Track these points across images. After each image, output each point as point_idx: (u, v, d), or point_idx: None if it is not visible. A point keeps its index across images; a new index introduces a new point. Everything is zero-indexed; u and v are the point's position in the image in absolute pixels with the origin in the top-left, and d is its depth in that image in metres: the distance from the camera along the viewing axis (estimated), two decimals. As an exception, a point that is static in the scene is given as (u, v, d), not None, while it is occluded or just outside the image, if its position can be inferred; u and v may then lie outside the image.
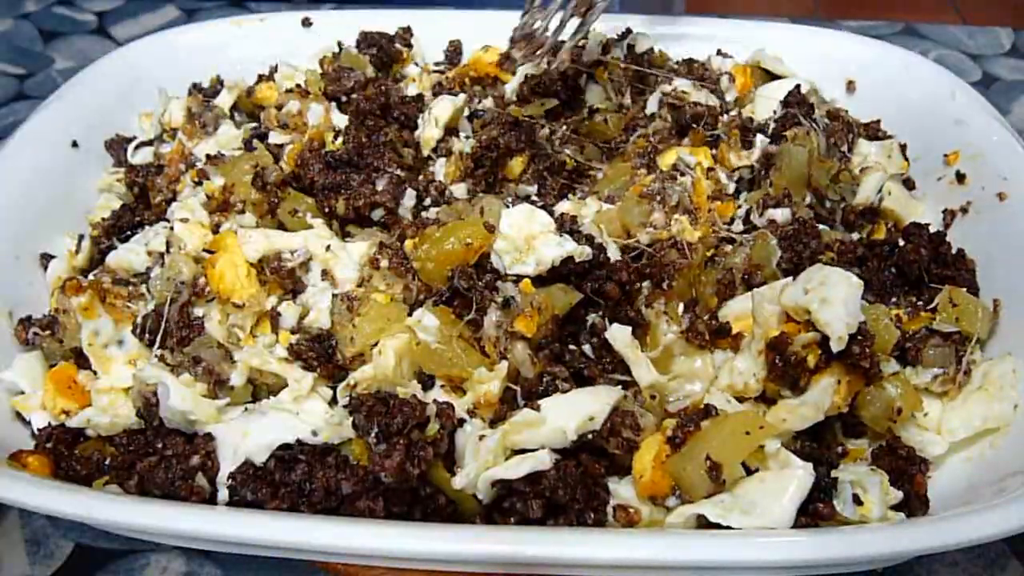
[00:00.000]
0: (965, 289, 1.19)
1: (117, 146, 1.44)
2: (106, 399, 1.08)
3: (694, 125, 1.32)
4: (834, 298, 0.98)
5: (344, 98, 1.40)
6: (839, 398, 1.01)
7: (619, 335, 1.06)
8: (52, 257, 1.28)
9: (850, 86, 1.54)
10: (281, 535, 0.88)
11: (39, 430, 1.09)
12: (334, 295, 1.11)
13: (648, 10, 1.57)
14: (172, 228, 1.16)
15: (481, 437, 0.97)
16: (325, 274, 1.15)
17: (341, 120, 1.37)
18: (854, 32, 1.63)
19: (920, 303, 1.17)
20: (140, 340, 1.10)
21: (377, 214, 1.22)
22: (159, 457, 1.01)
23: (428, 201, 1.25)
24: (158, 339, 1.08)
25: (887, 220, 1.34)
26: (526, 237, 1.10)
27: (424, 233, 1.12)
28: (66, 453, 1.07)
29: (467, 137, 1.34)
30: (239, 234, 1.14)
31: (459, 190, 1.26)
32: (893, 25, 2.10)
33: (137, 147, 1.41)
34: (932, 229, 1.29)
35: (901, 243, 1.27)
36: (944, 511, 1.00)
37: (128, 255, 1.18)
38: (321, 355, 1.08)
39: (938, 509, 1.03)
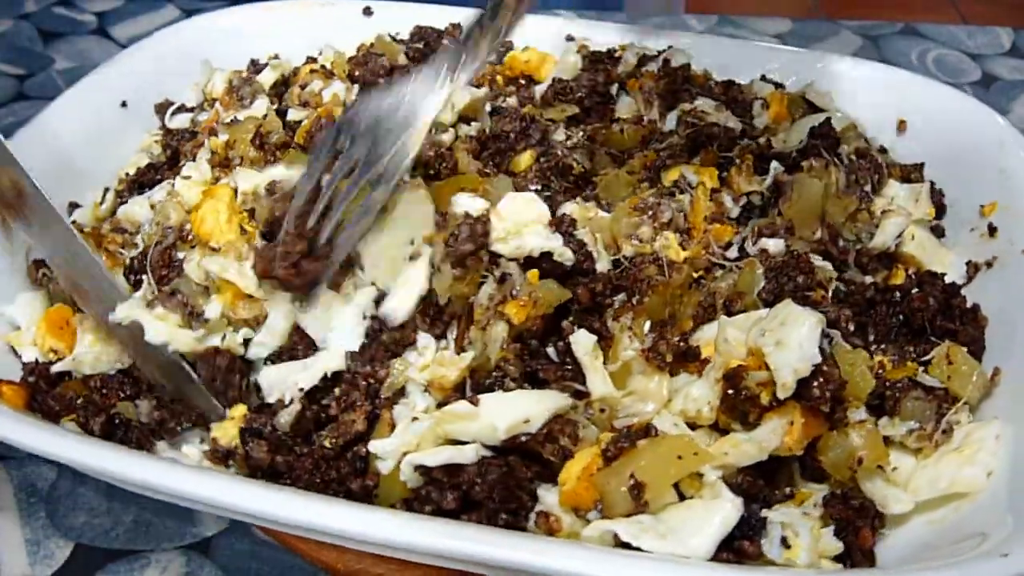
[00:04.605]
0: (969, 346, 1.12)
1: (163, 110, 1.51)
2: (90, 338, 1.13)
3: (708, 145, 1.29)
4: (790, 340, 0.95)
5: (364, 83, 1.43)
6: (791, 439, 0.97)
7: (582, 341, 1.04)
8: (79, 206, 1.35)
9: (901, 126, 1.47)
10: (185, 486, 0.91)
11: (25, 364, 1.15)
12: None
13: (649, 8, 1.55)
14: (173, 184, 1.21)
15: (414, 419, 0.97)
16: None
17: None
18: (854, 32, 1.58)
19: (914, 353, 1.12)
20: (128, 283, 1.15)
21: None
22: None
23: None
24: (145, 280, 1.13)
25: (908, 266, 1.28)
26: (518, 222, 1.11)
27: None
28: (45, 389, 1.12)
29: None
30: (235, 172, 1.19)
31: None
32: (893, 25, 2.07)
33: (175, 112, 1.47)
34: (954, 280, 1.23)
35: (913, 291, 1.21)
36: (892, 571, 0.96)
37: (134, 207, 1.24)
38: None
39: (888, 568, 0.98)
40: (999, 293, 1.20)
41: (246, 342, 1.12)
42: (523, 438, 0.96)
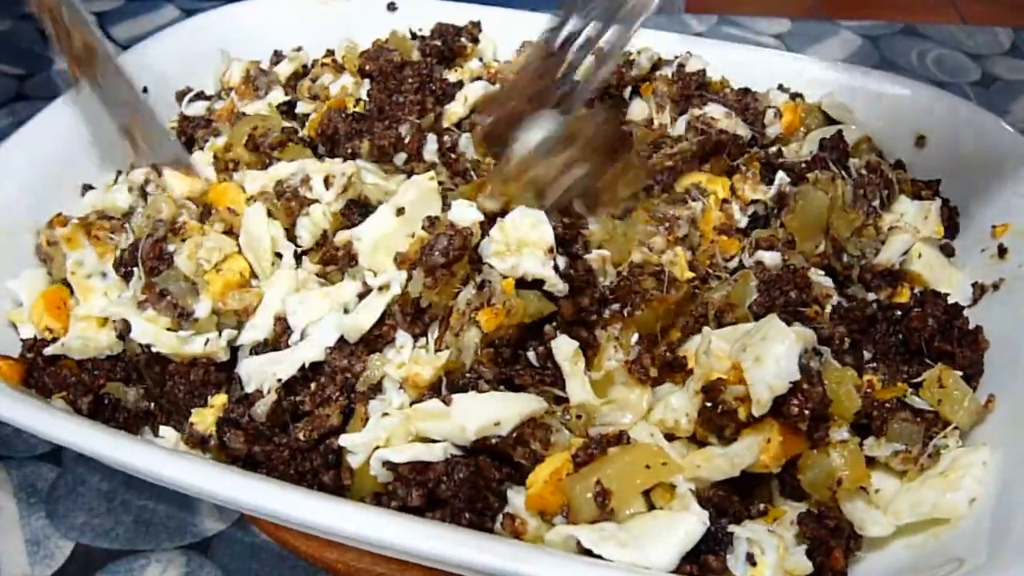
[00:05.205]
0: (966, 370, 1.09)
1: (184, 97, 1.53)
2: (82, 325, 1.15)
3: (718, 152, 1.27)
4: (767, 357, 0.93)
5: (375, 76, 1.44)
6: (768, 457, 0.95)
7: (564, 346, 1.04)
8: (92, 188, 1.37)
9: (920, 141, 1.44)
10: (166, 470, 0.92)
11: (23, 340, 1.17)
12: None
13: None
14: (160, 174, 1.23)
15: (385, 415, 0.98)
16: (327, 183, 1.19)
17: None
18: (854, 32, 1.55)
19: (907, 374, 1.09)
20: (118, 274, 1.17)
21: (400, 159, 1.25)
22: None
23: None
24: (135, 273, 1.15)
25: (914, 284, 1.25)
26: (519, 240, 1.09)
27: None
28: (42, 366, 1.15)
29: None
30: (239, 175, 1.21)
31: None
32: (893, 25, 2.05)
33: (192, 100, 1.50)
34: (957, 301, 1.19)
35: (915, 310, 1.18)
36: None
37: (115, 194, 1.28)
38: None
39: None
40: (1004, 317, 1.17)
41: (232, 348, 1.13)
42: (493, 440, 0.96)
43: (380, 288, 1.06)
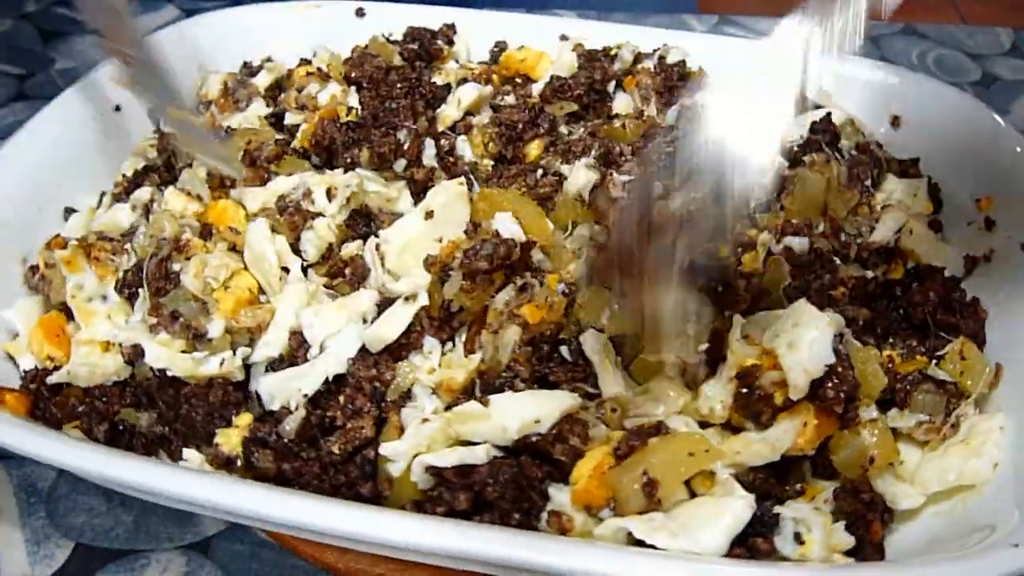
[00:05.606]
0: (970, 340, 1.13)
1: (158, 113, 1.49)
2: (85, 351, 1.12)
3: (712, 140, 1.29)
4: (801, 342, 0.95)
5: (364, 84, 1.42)
6: (804, 440, 0.97)
7: (590, 341, 1.04)
8: (75, 211, 1.33)
9: (895, 121, 1.48)
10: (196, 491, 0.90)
11: (25, 371, 1.13)
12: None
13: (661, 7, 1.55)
14: (162, 191, 1.20)
15: (425, 420, 0.97)
16: (329, 195, 1.17)
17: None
18: None
19: (921, 348, 1.12)
20: (121, 296, 1.14)
21: (400, 165, 1.24)
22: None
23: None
24: (141, 294, 1.12)
25: (907, 260, 1.29)
26: None
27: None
28: (47, 396, 1.11)
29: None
30: (237, 193, 1.18)
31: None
32: (893, 25, 2.06)
33: (171, 115, 1.46)
34: (952, 274, 1.23)
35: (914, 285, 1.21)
36: (902, 564, 0.96)
37: (117, 213, 1.24)
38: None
39: (890, 559, 0.98)
40: (998, 286, 1.21)
41: (246, 365, 1.11)
42: (533, 438, 0.96)
43: (407, 299, 1.05)
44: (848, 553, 0.95)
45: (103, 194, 1.35)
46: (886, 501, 1.00)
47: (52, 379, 1.11)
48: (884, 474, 1.02)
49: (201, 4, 2.16)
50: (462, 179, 1.15)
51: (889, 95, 1.49)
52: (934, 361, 1.08)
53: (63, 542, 1.13)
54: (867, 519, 0.97)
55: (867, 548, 0.96)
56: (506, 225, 1.08)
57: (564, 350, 1.06)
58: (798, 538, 0.92)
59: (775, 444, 0.96)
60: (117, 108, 1.46)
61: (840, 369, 0.95)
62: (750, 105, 0.91)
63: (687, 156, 0.91)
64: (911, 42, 2.04)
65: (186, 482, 0.91)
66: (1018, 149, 1.31)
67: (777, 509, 0.95)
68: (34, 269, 1.23)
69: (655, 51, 1.48)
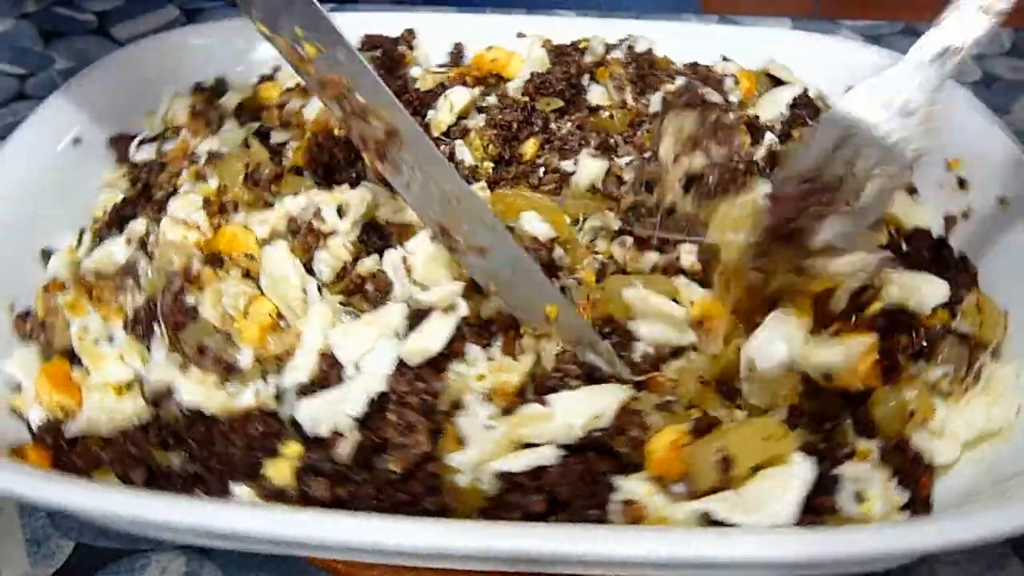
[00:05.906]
0: (968, 294, 1.19)
1: (120, 143, 1.43)
2: (99, 396, 1.08)
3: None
4: None
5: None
6: (864, 366, 1.00)
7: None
8: (52, 252, 1.27)
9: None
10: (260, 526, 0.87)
11: (39, 426, 1.08)
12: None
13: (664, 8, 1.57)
14: (159, 222, 1.16)
15: (490, 427, 0.97)
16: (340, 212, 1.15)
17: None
18: (854, 32, 1.63)
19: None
20: (132, 334, 1.10)
21: None
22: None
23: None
24: (157, 331, 1.08)
25: (890, 225, 1.34)
26: None
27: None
28: (65, 447, 1.06)
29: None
30: (241, 217, 1.16)
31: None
32: (893, 25, 2.08)
33: (140, 144, 1.40)
34: (934, 235, 1.29)
35: (904, 248, 1.27)
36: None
37: (111, 247, 1.19)
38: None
39: (937, 512, 1.02)
40: (979, 242, 1.27)
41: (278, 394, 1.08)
42: (597, 433, 0.97)
43: (445, 310, 1.04)
44: (902, 509, 1.00)
45: (82, 231, 1.29)
46: (922, 457, 1.05)
47: (73, 430, 1.06)
48: (919, 430, 1.06)
49: (202, 4, 2.14)
50: (483, 183, 1.15)
51: (845, 67, 1.53)
52: (953, 316, 1.13)
53: (63, 542, 1.12)
54: (916, 475, 1.01)
55: (916, 503, 1.01)
56: (535, 224, 1.08)
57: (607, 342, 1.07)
58: (859, 497, 0.96)
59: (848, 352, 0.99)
60: (76, 141, 1.40)
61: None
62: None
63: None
64: (912, 42, 1.96)
65: (302, 521, 0.88)
66: (976, 108, 1.38)
67: (836, 470, 0.98)
68: (24, 316, 1.17)
69: (622, 41, 1.50)
